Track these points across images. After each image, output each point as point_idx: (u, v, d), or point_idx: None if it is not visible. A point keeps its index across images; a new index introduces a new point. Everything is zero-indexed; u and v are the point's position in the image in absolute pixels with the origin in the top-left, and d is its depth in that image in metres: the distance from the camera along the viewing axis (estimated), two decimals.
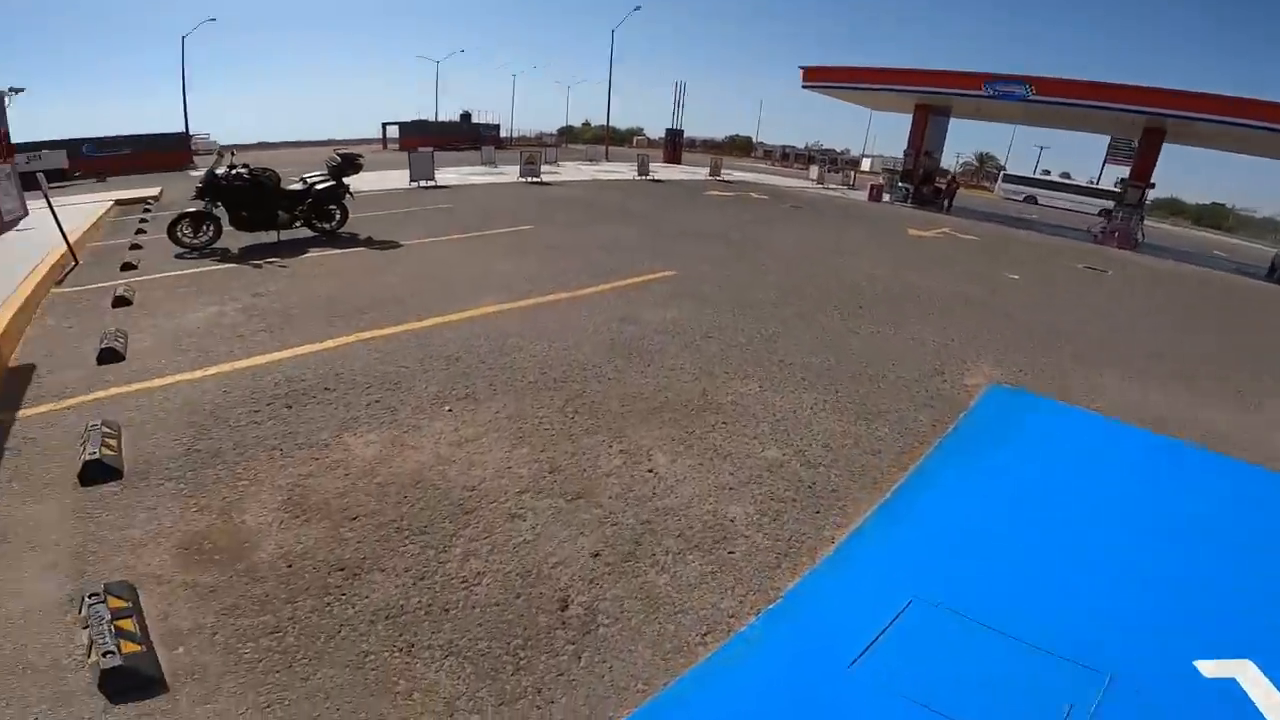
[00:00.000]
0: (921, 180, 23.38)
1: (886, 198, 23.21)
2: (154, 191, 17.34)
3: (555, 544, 2.96)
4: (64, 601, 2.38)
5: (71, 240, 9.72)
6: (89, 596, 2.33)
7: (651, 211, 12.96)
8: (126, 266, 7.63)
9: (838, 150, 56.32)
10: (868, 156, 50.19)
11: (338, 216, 9.50)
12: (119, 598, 2.38)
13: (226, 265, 7.61)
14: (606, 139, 42.31)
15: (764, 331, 5.98)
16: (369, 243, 8.96)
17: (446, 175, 18.95)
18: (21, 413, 3.63)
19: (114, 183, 25.31)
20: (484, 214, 11.81)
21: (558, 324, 5.65)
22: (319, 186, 9.08)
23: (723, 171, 24.86)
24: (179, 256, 8.22)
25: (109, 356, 4.53)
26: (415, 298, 6.17)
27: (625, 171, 25.76)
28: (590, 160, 32.31)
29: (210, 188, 8.38)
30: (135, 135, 35.29)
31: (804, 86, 23.94)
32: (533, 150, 19.43)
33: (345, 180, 9.37)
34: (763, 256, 9.33)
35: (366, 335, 5.16)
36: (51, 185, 23.74)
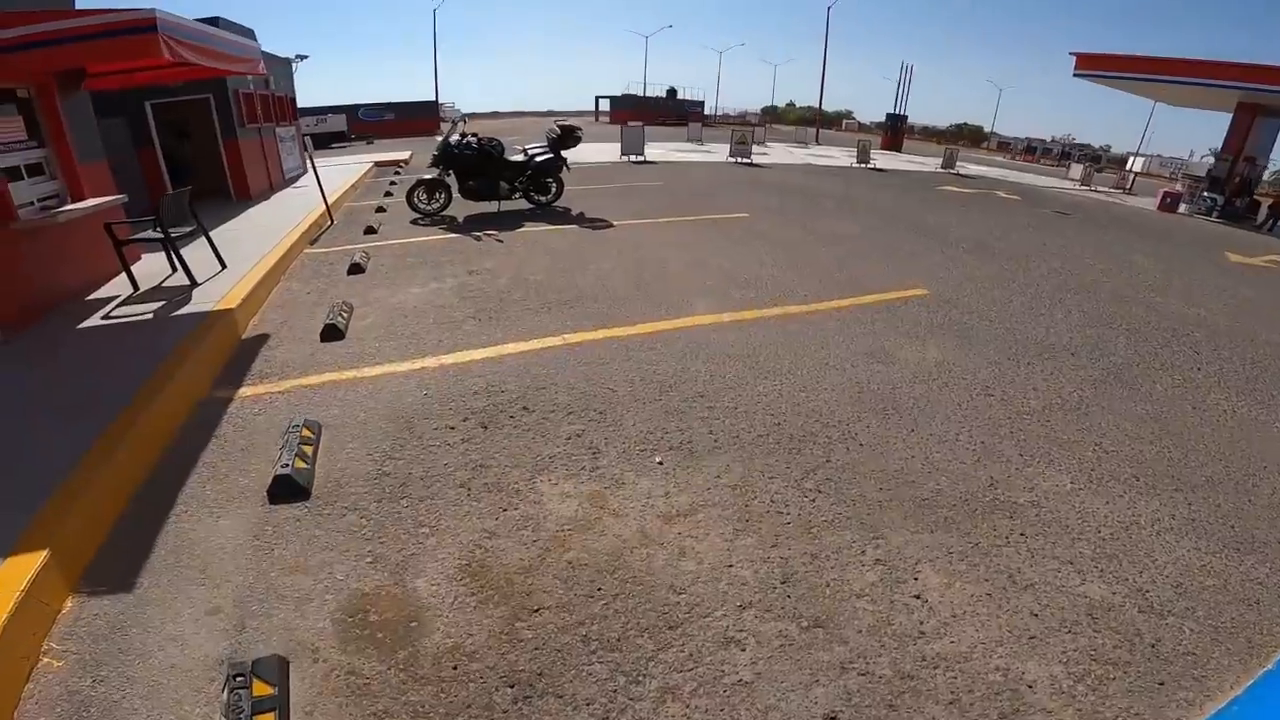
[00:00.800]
0: (1237, 191, 17.98)
1: (1183, 208, 18.25)
2: (405, 155, 19.41)
3: (780, 692, 2.04)
4: (214, 664, 2.00)
5: (332, 200, 10.89)
6: (234, 676, 1.91)
7: (883, 207, 11.20)
8: (369, 230, 8.10)
9: (1095, 146, 46.49)
10: (1139, 155, 40.50)
11: (553, 190, 9.39)
12: (266, 681, 1.93)
13: (450, 235, 7.73)
14: (818, 121, 39.49)
15: (1066, 395, 4.37)
16: (581, 219, 8.68)
17: (655, 151, 18.63)
18: (242, 391, 3.59)
19: (378, 145, 29.26)
20: (695, 196, 11.07)
21: (788, 351, 4.63)
22: (538, 159, 9.01)
23: (958, 164, 21.45)
24: (413, 222, 8.60)
25: (331, 334, 4.51)
26: (624, 293, 5.56)
27: (840, 157, 23.49)
28: (800, 143, 30.21)
29: (444, 156, 8.65)
30: (396, 103, 40.65)
31: (1076, 74, 19.55)
32: (743, 130, 18.27)
33: (563, 154, 9.19)
34: (1039, 277, 7.32)
35: (573, 338, 4.62)
36: (333, 146, 28.11)
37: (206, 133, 10.31)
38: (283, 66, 13.71)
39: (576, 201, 9.89)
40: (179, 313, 4.82)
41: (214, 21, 9.66)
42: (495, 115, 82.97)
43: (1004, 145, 50.78)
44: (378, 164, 17.58)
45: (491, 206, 9.19)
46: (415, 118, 40.37)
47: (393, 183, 13.27)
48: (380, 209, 9.76)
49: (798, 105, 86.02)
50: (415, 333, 4.66)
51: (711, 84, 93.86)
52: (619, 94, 55.47)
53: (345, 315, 4.89)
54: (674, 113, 51.49)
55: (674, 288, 5.78)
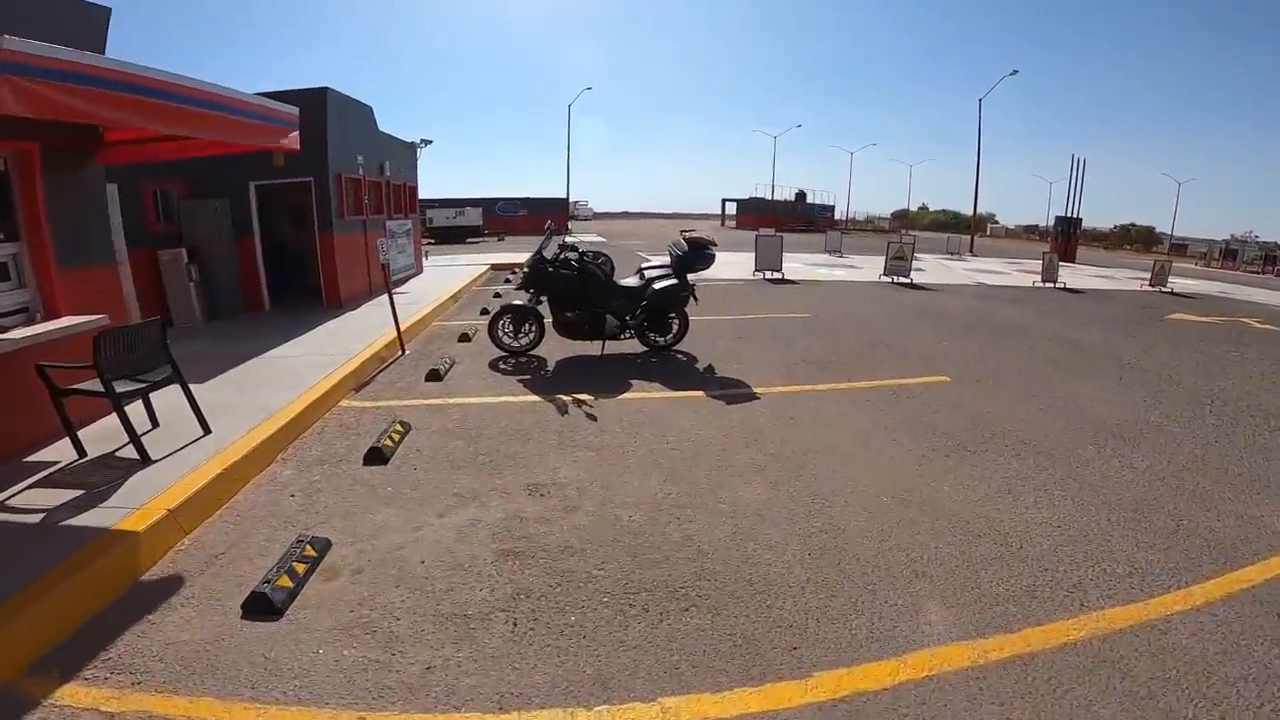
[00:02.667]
0: None
1: None
2: (524, 258, 18.59)
3: None
4: None
5: (428, 312, 9.49)
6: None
7: (1129, 357, 7.83)
8: (432, 376, 6.23)
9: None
10: None
11: (675, 328, 7.16)
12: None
13: (529, 397, 5.64)
14: (973, 228, 35.83)
15: None
16: (710, 378, 6.30)
17: (790, 265, 16.36)
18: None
19: (509, 242, 29.60)
20: (859, 337, 8.43)
21: None
22: (658, 285, 6.82)
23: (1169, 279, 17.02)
24: (493, 364, 6.68)
25: (260, 608, 2.40)
26: (785, 578, 2.92)
27: (1009, 272, 19.96)
28: (952, 254, 26.79)
29: (535, 275, 6.71)
30: (528, 198, 42.41)
31: None
32: (899, 243, 15.55)
33: (690, 278, 6.98)
34: None
35: (711, 704, 2.07)
36: (469, 241, 28.63)
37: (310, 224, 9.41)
38: (405, 151, 13.12)
39: (704, 342, 7.61)
40: (81, 518, 3.08)
41: (321, 93, 8.86)
42: (626, 215, 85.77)
43: (1177, 248, 43.19)
44: (494, 266, 16.70)
45: (593, 347, 7.12)
46: (547, 212, 41.68)
47: (496, 294, 11.90)
48: (465, 336, 8.06)
49: (930, 208, 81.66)
50: (391, 640, 2.34)
51: (838, 185, 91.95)
52: (745, 197, 55.24)
53: (303, 568, 2.73)
54: (803, 217, 49.93)
55: (875, 564, 3.07)
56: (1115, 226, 55.03)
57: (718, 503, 3.68)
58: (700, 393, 5.81)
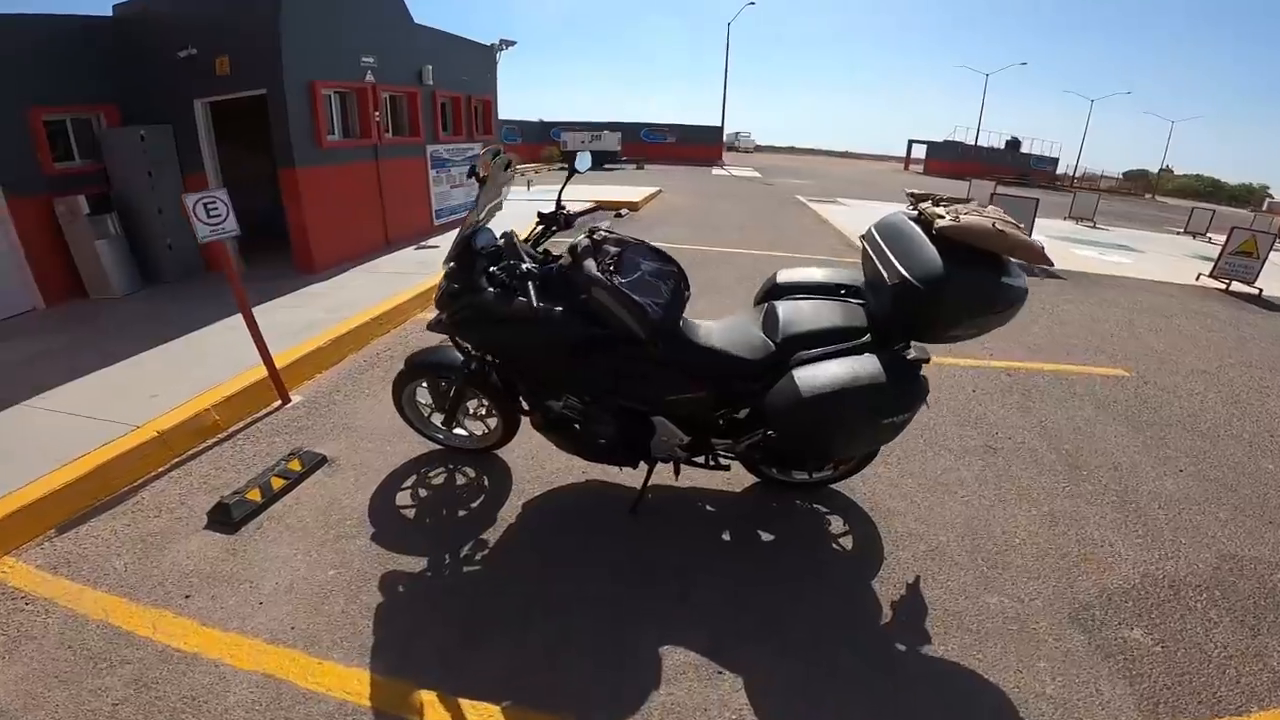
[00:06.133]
0: None
1: None
2: (644, 194, 14.58)
3: None
4: None
5: (424, 287, 5.91)
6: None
7: None
8: (219, 516, 2.69)
9: None
10: None
11: (848, 460, 2.81)
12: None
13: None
14: None
15: None
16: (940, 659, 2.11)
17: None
18: None
19: (649, 171, 25.57)
20: (1251, 450, 3.57)
21: None
22: (817, 372, 2.14)
23: None
24: (383, 491, 2.98)
25: None
26: None
27: None
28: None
29: (460, 296, 2.50)
30: (679, 125, 37.50)
31: None
32: (1250, 235, 9.18)
33: (915, 351, 2.32)
34: None
35: None
36: (605, 167, 25.05)
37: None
38: (470, 55, 9.32)
39: (901, 451, 3.24)
40: None
41: None
42: (792, 151, 75.62)
43: None
44: (599, 204, 12.91)
45: (624, 477, 3.02)
46: (697, 142, 36.74)
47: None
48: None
49: (1175, 171, 63.10)
50: None
51: (1065, 138, 73.37)
52: (940, 140, 45.44)
53: None
54: (1015, 169, 39.97)
55: None
56: None
57: None
58: None
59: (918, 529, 2.82)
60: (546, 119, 35.18)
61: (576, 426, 2.59)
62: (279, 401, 3.69)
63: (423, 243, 7.76)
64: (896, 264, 2.12)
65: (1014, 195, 9.88)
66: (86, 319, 5.15)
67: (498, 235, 2.61)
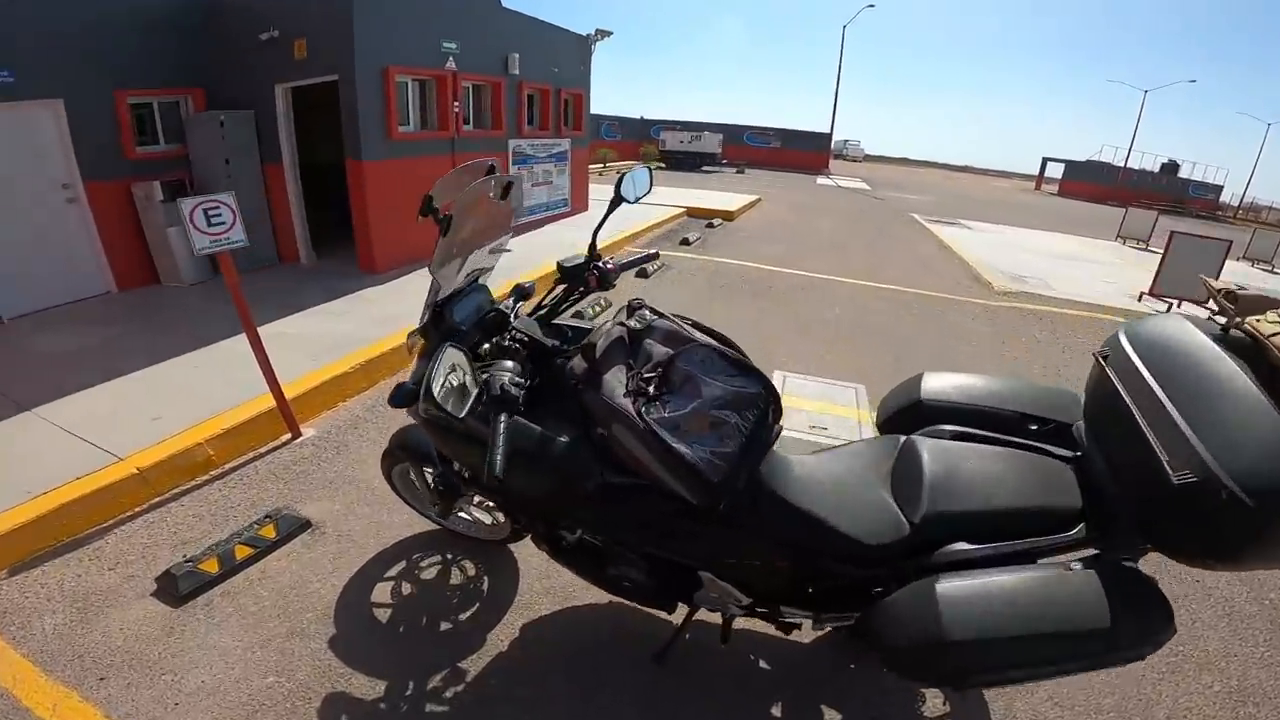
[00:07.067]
0: None
1: None
2: (741, 203, 13.68)
3: None
4: None
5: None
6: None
7: None
8: (166, 586, 2.19)
9: None
10: None
11: None
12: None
13: None
14: None
15: None
16: None
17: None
18: None
19: (750, 176, 24.56)
20: None
21: None
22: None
23: None
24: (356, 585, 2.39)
25: None
26: None
27: None
28: None
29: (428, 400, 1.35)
30: (783, 129, 35.80)
31: None
32: None
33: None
34: None
35: None
36: (704, 169, 24.32)
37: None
38: (564, 45, 8.81)
39: None
40: None
41: None
42: (905, 162, 70.80)
43: None
44: (690, 212, 12.28)
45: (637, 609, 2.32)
46: (801, 147, 34.96)
47: (659, 267, 7.41)
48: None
49: None
50: None
51: (1233, 164, 64.82)
52: (1081, 159, 40.81)
53: None
54: (1166, 195, 35.25)
55: None
56: None
57: None
58: None
59: (1054, 714, 1.91)
60: (648, 116, 34.68)
61: (593, 567, 1.88)
62: (288, 435, 3.25)
63: (494, 244, 7.35)
64: (1192, 438, 1.15)
65: (1196, 235, 8.13)
66: (149, 309, 5.05)
67: (489, 299, 1.93)
